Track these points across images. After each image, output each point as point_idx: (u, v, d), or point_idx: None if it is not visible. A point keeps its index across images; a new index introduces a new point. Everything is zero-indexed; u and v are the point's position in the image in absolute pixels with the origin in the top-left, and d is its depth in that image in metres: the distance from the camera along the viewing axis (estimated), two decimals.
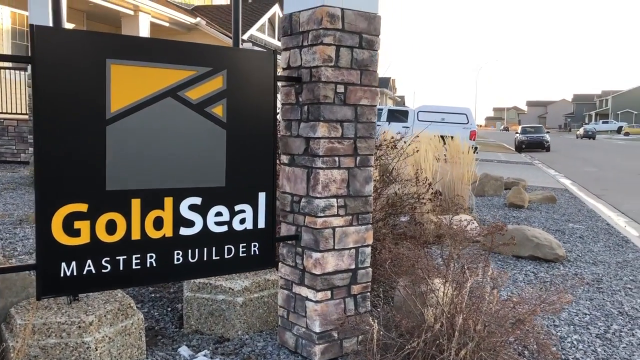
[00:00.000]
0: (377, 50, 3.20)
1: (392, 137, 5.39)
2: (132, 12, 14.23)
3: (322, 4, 2.96)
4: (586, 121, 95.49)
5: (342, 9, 3.01)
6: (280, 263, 3.37)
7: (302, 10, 3.09)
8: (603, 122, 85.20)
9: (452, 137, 9.53)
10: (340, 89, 3.08)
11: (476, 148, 18.51)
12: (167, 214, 2.74)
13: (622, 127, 76.55)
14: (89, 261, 2.55)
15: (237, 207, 2.96)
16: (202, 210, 2.85)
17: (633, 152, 32.80)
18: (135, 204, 2.64)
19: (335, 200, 3.12)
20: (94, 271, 2.56)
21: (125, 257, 2.64)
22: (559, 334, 3.88)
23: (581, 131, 63.24)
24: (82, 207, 2.51)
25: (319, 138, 3.04)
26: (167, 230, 2.75)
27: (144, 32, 14.55)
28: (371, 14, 3.13)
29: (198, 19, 16.86)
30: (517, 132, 37.53)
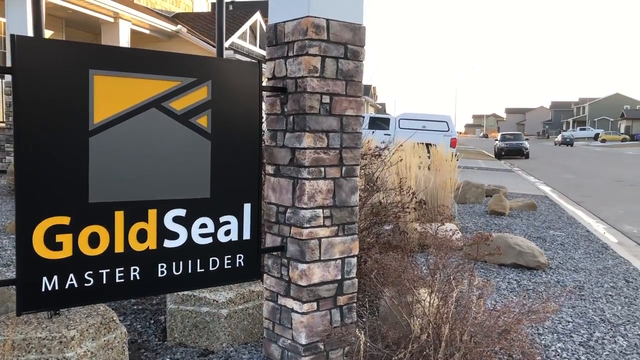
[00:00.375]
0: (362, 61, 3.20)
1: (376, 146, 5.41)
2: (112, 20, 14.11)
3: (307, 15, 2.96)
4: (564, 128, 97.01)
5: (328, 20, 3.01)
6: (265, 274, 3.34)
7: (287, 21, 3.08)
8: (580, 129, 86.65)
9: (435, 145, 9.60)
10: (326, 99, 3.08)
11: (457, 155, 18.66)
12: (151, 226, 2.70)
13: (599, 134, 77.94)
14: (71, 275, 2.50)
15: (222, 219, 2.93)
16: (186, 222, 2.81)
17: (610, 159, 33.35)
18: (119, 216, 2.60)
19: (321, 210, 3.10)
20: (76, 285, 2.51)
21: (108, 270, 2.59)
22: (543, 342, 3.90)
23: (559, 138, 64.21)
24: (65, 220, 2.46)
25: (305, 148, 3.02)
26: (151, 243, 2.71)
27: (124, 39, 14.44)
28: (356, 25, 3.14)
29: (179, 26, 16.78)
30: (496, 140, 37.96)
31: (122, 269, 2.63)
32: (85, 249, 2.52)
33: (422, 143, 9.92)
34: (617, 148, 54.43)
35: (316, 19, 2.97)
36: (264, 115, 3.27)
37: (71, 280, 2.49)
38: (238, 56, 17.11)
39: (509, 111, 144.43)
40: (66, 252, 2.47)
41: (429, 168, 8.61)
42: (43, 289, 2.43)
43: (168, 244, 2.76)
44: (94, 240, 2.54)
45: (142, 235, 2.67)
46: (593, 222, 10.00)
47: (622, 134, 77.39)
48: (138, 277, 2.68)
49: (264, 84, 3.10)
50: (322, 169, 3.09)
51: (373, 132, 8.67)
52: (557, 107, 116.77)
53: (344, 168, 3.19)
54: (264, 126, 3.35)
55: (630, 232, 9.06)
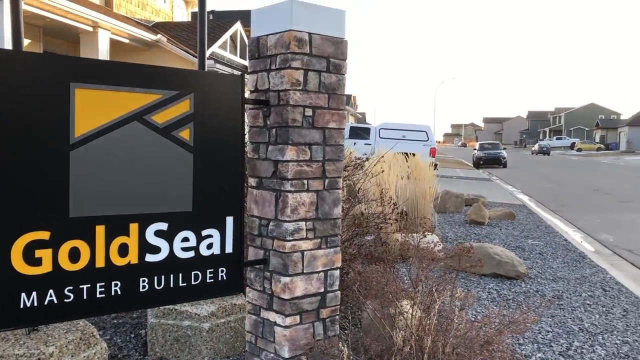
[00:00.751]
0: (344, 74, 3.22)
1: (358, 158, 5.43)
2: (90, 29, 13.98)
3: (289, 29, 2.97)
4: (541, 137, 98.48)
5: (310, 34, 3.03)
6: (247, 287, 3.32)
7: (270, 34, 3.09)
8: (557, 139, 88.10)
9: (414, 155, 9.68)
10: (309, 112, 3.09)
11: (436, 165, 18.85)
12: (132, 241, 2.67)
13: (575, 143, 79.33)
14: (51, 291, 2.45)
15: (205, 232, 2.91)
16: (168, 235, 2.79)
17: (586, 168, 33.93)
18: (100, 230, 2.57)
19: (304, 223, 3.10)
20: (56, 301, 2.47)
21: (89, 285, 2.55)
22: (523, 352, 3.94)
23: (536, 147, 65.18)
24: (44, 235, 2.42)
25: (288, 161, 3.03)
26: (133, 257, 2.68)
27: (104, 48, 14.31)
28: (338, 39, 3.16)
29: (159, 35, 16.70)
30: (475, 149, 38.38)
31: (103, 284, 2.59)
32: (66, 264, 2.48)
33: (402, 153, 10.00)
34: (592, 157, 55.42)
35: (299, 33, 2.99)
36: (246, 128, 3.27)
37: (51, 296, 2.45)
38: (219, 66, 17.07)
39: (487, 120, 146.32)
40: (46, 267, 2.43)
41: (408, 177, 8.68)
42: (22, 305, 2.39)
43: (150, 258, 2.73)
44: (74, 255, 2.50)
45: (123, 250, 2.64)
46: (570, 230, 10.14)
47: (598, 143, 78.83)
48: (119, 292, 2.64)
49: (246, 96, 3.10)
50: (305, 181, 3.10)
51: (355, 143, 8.70)
52: (534, 116, 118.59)
53: (326, 180, 3.20)
54: (247, 138, 3.35)
55: (606, 240, 9.21)
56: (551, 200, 15.17)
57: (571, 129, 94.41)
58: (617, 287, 5.90)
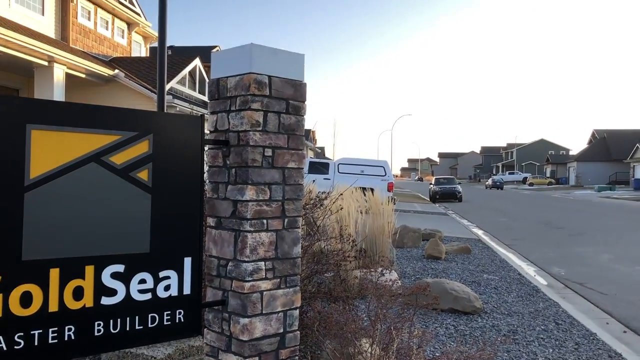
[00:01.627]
0: (303, 116, 3.29)
1: (317, 196, 5.48)
2: (46, 63, 13.77)
3: (249, 71, 3.03)
4: (494, 172, 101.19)
5: (270, 77, 3.09)
6: (206, 329, 3.28)
7: (230, 76, 3.14)
8: (509, 173, 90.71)
9: (372, 190, 9.80)
10: (268, 152, 3.13)
11: (394, 199, 19.11)
12: (88, 283, 2.62)
13: (527, 177, 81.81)
14: (0, 337, 2.37)
15: (162, 274, 2.88)
16: (125, 278, 2.74)
17: (538, 202, 34.95)
18: (54, 273, 2.51)
19: (263, 263, 3.10)
20: (5, 348, 2.38)
21: (41, 331, 2.48)
22: None
23: (490, 182, 66.87)
24: None
25: (247, 201, 3.04)
26: (88, 300, 2.62)
27: (59, 83, 14.10)
28: (297, 82, 3.23)
29: (117, 71, 16.58)
30: (431, 183, 39.07)
31: (55, 328, 2.52)
32: (17, 309, 2.40)
33: (360, 187, 10.12)
34: (544, 191, 57.20)
35: (258, 76, 3.05)
36: (205, 167, 3.28)
37: (0, 342, 2.37)
38: (177, 101, 17.01)
39: (442, 155, 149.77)
40: None
41: (367, 212, 8.77)
42: None
43: (105, 301, 2.68)
44: (26, 299, 2.43)
45: (78, 293, 2.58)
46: (524, 264, 10.39)
47: (549, 177, 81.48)
48: (73, 337, 2.57)
49: (206, 136, 3.12)
50: (265, 221, 3.11)
51: (314, 180, 8.76)
52: (487, 151, 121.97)
53: (286, 220, 3.22)
54: (206, 178, 3.36)
55: (558, 274, 9.47)
56: (505, 234, 15.53)
57: (523, 164, 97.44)
58: (569, 321, 6.06)
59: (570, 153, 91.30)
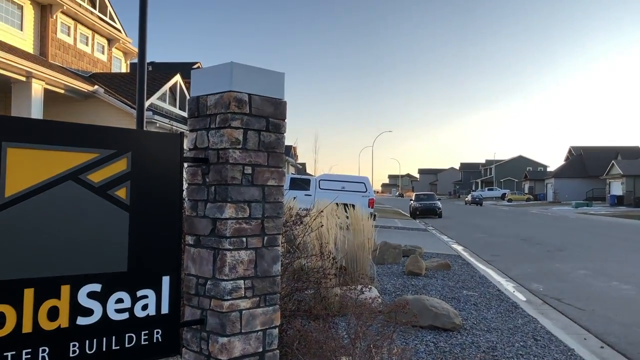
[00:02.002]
0: (283, 133, 3.30)
1: (298, 213, 5.48)
2: (24, 79, 13.64)
3: (229, 90, 3.04)
4: (473, 188, 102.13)
5: (250, 95, 3.11)
6: (184, 349, 3.24)
7: (210, 95, 3.15)
8: (489, 189, 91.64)
9: (353, 206, 9.83)
10: (248, 170, 3.13)
11: (374, 215, 19.18)
12: (63, 304, 2.57)
13: (506, 193, 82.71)
14: None
15: (140, 293, 2.85)
16: (101, 297, 2.71)
17: (517, 218, 35.32)
18: (29, 294, 2.46)
19: (242, 281, 3.09)
20: None
21: (14, 352, 2.43)
22: None
23: (469, 198, 67.47)
24: None
25: (227, 219, 3.03)
26: (63, 321, 2.58)
27: (37, 99, 13.95)
28: (277, 100, 3.25)
29: (96, 86, 16.47)
30: (411, 199, 39.29)
31: (29, 350, 2.47)
32: None
33: (341, 204, 10.14)
34: (522, 207, 57.84)
35: (238, 94, 3.06)
36: (185, 185, 3.26)
37: None
38: (157, 117, 16.93)
39: (422, 172, 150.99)
40: None
41: (348, 228, 8.78)
42: None
43: (81, 321, 2.63)
44: None
45: (53, 313, 2.54)
46: (503, 280, 10.46)
47: (527, 194, 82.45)
48: (47, 359, 2.52)
49: (185, 154, 3.11)
50: (244, 239, 3.10)
51: (295, 197, 8.76)
52: (466, 168, 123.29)
53: (266, 237, 3.22)
54: (185, 195, 3.34)
55: (537, 290, 9.55)
56: (484, 250, 15.65)
57: (501, 180, 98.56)
58: (547, 337, 6.11)
59: (548, 169, 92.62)
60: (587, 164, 72.71)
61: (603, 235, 22.00)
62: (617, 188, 59.05)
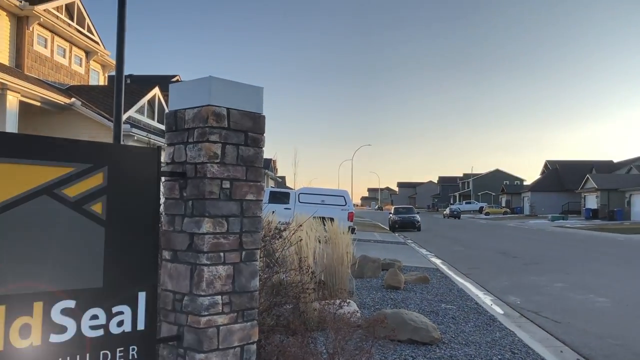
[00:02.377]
0: (262, 148, 3.30)
1: (277, 227, 5.46)
2: None
3: (208, 104, 3.03)
4: (451, 201, 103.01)
5: (228, 109, 3.10)
6: None
7: (188, 109, 3.14)
8: (467, 203, 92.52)
9: (332, 219, 9.82)
10: (226, 184, 3.11)
11: (354, 229, 19.21)
12: (36, 321, 2.52)
13: (483, 207, 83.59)
14: None
15: (115, 309, 2.80)
16: (76, 314, 2.65)
17: (494, 231, 35.66)
18: (0, 311, 2.41)
19: (220, 297, 3.06)
20: None
21: None
22: None
23: (447, 211, 68.04)
24: None
25: (204, 234, 3.01)
26: (35, 339, 2.52)
27: (12, 111, 13.75)
28: (256, 114, 3.25)
29: (73, 99, 16.29)
30: (390, 213, 39.45)
31: None
32: None
33: (321, 217, 10.13)
34: (499, 220, 58.46)
35: (217, 108, 3.05)
36: (162, 200, 3.24)
37: None
38: (135, 130, 16.80)
39: (401, 185, 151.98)
40: None
41: (327, 242, 8.76)
42: None
43: (54, 338, 2.58)
44: None
45: (25, 331, 2.48)
46: (481, 294, 10.52)
47: (504, 207, 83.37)
48: None
49: (163, 168, 3.09)
50: (222, 254, 3.08)
51: (273, 211, 8.74)
52: (445, 181, 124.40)
53: (244, 252, 3.20)
54: (162, 210, 3.31)
55: (514, 303, 9.62)
56: (462, 263, 15.75)
57: (479, 193, 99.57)
58: (524, 350, 6.15)
59: (525, 183, 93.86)
60: (562, 178, 73.86)
61: (579, 248, 22.32)
62: (592, 202, 60.05)
